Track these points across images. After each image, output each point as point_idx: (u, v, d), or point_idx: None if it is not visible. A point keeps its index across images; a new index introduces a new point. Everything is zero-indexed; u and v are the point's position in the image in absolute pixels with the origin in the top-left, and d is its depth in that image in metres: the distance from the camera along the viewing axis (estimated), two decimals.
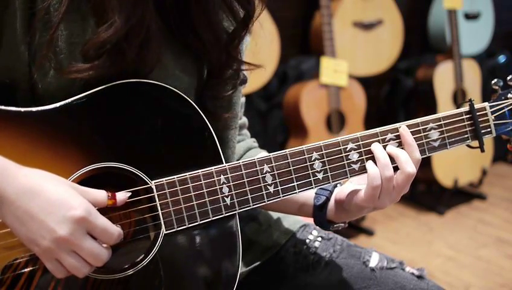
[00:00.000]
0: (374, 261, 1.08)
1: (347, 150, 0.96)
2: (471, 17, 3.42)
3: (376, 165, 0.95)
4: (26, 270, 0.81)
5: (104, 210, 0.83)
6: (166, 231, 0.87)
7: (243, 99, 1.14)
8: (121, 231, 0.81)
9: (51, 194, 0.76)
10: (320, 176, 0.95)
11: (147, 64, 0.89)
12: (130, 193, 0.84)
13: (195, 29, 0.94)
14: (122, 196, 0.84)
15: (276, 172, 0.93)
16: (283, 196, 0.93)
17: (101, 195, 0.82)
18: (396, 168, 0.95)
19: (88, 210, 0.77)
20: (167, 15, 0.93)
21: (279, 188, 0.93)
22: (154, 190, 0.86)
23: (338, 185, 1.04)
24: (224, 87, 1.00)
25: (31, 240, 0.76)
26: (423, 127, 1.00)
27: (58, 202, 0.76)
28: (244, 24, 0.97)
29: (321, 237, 1.14)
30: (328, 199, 1.03)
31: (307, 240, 1.14)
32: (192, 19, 0.93)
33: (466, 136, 1.03)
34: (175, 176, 0.87)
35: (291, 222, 1.18)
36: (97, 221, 0.78)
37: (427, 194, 3.51)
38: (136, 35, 0.85)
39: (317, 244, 1.13)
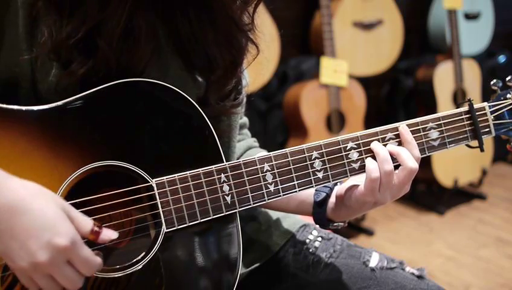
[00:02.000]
0: (374, 261, 1.08)
1: (347, 149, 0.97)
2: (471, 17, 3.43)
3: (375, 160, 0.95)
4: None
5: (104, 208, 0.83)
6: (167, 229, 0.87)
7: (244, 99, 1.14)
8: (101, 262, 0.78)
9: (37, 216, 0.72)
10: (320, 175, 0.96)
11: (138, 62, 0.89)
12: (118, 235, 0.81)
13: (184, 44, 0.94)
14: (106, 236, 0.79)
15: (276, 171, 0.93)
16: (283, 195, 0.94)
17: (85, 226, 0.77)
18: (397, 167, 0.96)
19: (73, 240, 0.74)
20: (172, 13, 0.93)
21: (280, 186, 0.93)
22: (155, 188, 0.86)
23: (338, 183, 1.04)
24: (225, 88, 1.00)
25: (7, 256, 0.74)
26: (423, 126, 1.00)
27: (43, 226, 0.72)
28: (233, 69, 0.98)
29: (321, 237, 1.14)
30: (328, 196, 1.03)
31: (307, 240, 1.14)
32: (181, 37, 0.94)
33: (465, 135, 1.03)
34: (176, 175, 0.88)
35: (291, 222, 1.18)
36: (80, 252, 0.75)
37: (427, 194, 3.51)
38: (110, 33, 0.85)
39: (317, 244, 1.13)
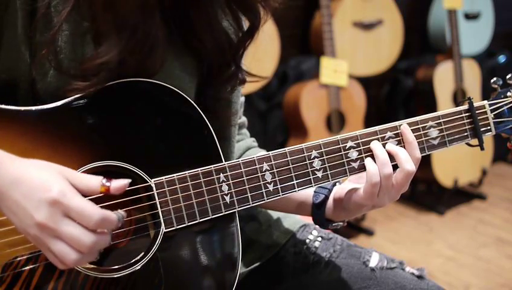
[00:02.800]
0: (374, 261, 1.08)
1: (346, 148, 0.96)
2: (471, 17, 3.43)
3: (375, 162, 0.95)
4: (26, 268, 0.81)
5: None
6: (165, 229, 0.87)
7: (242, 99, 1.14)
8: (105, 214, 0.76)
9: (32, 180, 0.75)
10: (319, 174, 0.95)
11: (151, 69, 0.89)
12: (130, 181, 0.81)
13: (197, 33, 0.94)
14: (117, 183, 0.79)
15: (275, 170, 0.93)
16: (282, 194, 0.93)
17: (93, 181, 0.79)
18: (395, 167, 0.95)
19: (62, 192, 0.74)
20: (168, 17, 0.93)
21: (279, 186, 0.93)
22: (154, 189, 0.86)
23: (337, 183, 1.04)
24: (223, 87, 1.00)
25: (22, 229, 0.76)
26: (422, 125, 1.00)
27: (36, 186, 0.74)
28: (250, 34, 0.97)
29: (321, 237, 1.14)
30: (326, 197, 1.03)
31: (307, 240, 1.14)
32: (193, 23, 0.93)
33: (465, 134, 1.03)
34: (174, 175, 0.87)
35: (291, 222, 1.18)
36: (71, 202, 0.74)
37: (427, 194, 3.51)
38: (140, 49, 0.86)
39: (317, 244, 1.13)
